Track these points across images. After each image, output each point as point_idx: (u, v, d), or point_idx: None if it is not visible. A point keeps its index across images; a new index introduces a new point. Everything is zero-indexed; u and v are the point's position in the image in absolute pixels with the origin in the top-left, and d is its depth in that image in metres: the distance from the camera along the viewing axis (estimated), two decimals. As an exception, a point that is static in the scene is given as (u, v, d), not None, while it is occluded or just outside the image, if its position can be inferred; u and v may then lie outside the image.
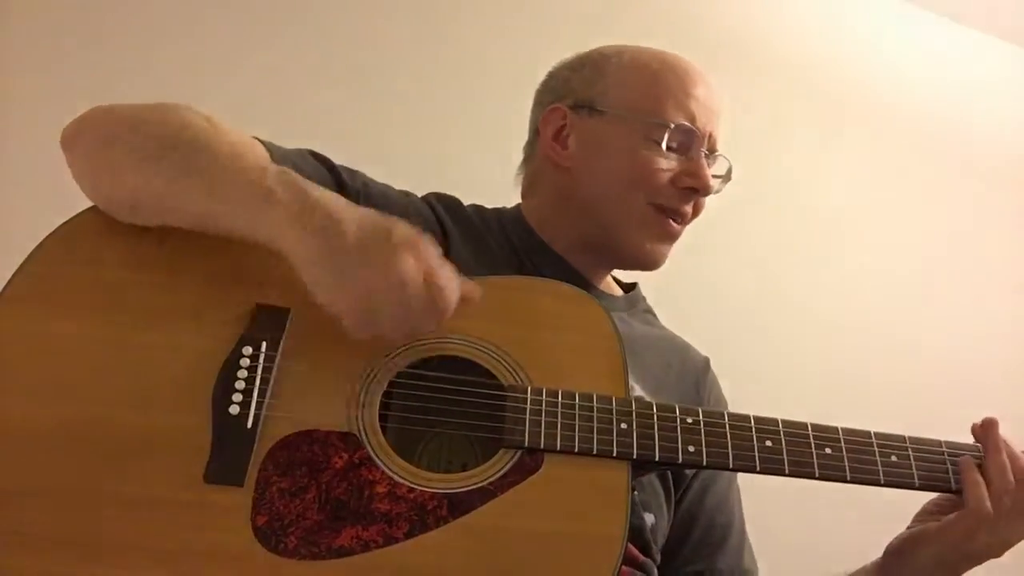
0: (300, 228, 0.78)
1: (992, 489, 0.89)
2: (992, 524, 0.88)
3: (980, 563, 0.92)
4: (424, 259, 0.80)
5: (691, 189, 1.08)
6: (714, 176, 1.12)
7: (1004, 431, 0.94)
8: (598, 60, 1.16)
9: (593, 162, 1.11)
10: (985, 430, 0.94)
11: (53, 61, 1.59)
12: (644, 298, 1.22)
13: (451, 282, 0.82)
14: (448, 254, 1.03)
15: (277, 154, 0.97)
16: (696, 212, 1.12)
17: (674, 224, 1.09)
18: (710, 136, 1.10)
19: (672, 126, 1.07)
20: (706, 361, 1.18)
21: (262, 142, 0.97)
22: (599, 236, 1.11)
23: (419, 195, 1.13)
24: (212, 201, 0.82)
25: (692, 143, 1.08)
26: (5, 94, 1.56)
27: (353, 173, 1.06)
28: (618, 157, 1.09)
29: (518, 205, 1.20)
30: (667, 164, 1.08)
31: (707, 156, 1.10)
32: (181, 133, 0.85)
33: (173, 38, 1.68)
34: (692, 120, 1.08)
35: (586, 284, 1.11)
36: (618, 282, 1.23)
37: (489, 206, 1.18)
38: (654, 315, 1.22)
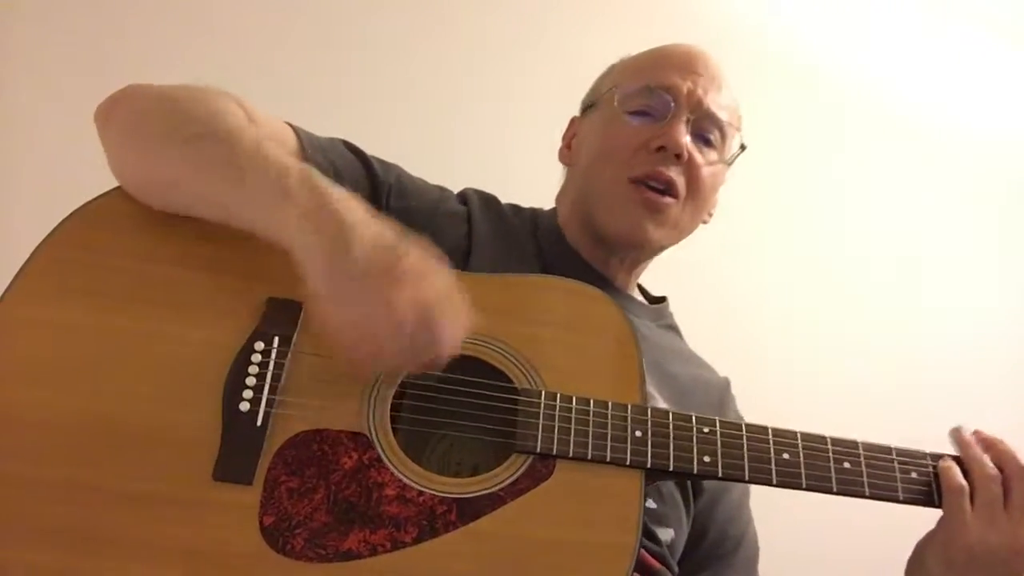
0: (312, 234, 0.77)
1: (974, 480, 0.87)
2: (985, 514, 0.86)
3: (996, 574, 0.86)
4: (426, 294, 0.76)
5: (661, 149, 1.03)
6: (708, 145, 1.07)
7: (1004, 433, 0.93)
8: (610, 67, 1.18)
9: (582, 152, 1.13)
10: (953, 435, 0.93)
11: (55, 60, 1.57)
12: (671, 314, 1.20)
13: (448, 325, 0.78)
14: (471, 249, 1.02)
15: (308, 142, 0.95)
16: (693, 185, 1.06)
17: (653, 193, 1.04)
18: (690, 96, 1.05)
19: (635, 87, 1.06)
20: (726, 382, 1.16)
21: (294, 129, 0.95)
22: (590, 222, 1.09)
23: (455, 191, 1.11)
24: (234, 193, 0.81)
25: (662, 106, 1.05)
26: (6, 95, 1.54)
27: (387, 166, 1.04)
28: (594, 137, 1.11)
29: (555, 208, 1.19)
30: (634, 132, 1.05)
31: (691, 120, 1.05)
32: (213, 121, 0.84)
33: (185, 31, 1.67)
34: (660, 82, 1.05)
35: (611, 288, 1.09)
36: (645, 294, 1.21)
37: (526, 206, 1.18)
38: (678, 332, 1.19)
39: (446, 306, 0.78)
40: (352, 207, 0.79)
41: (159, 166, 0.84)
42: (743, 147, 1.12)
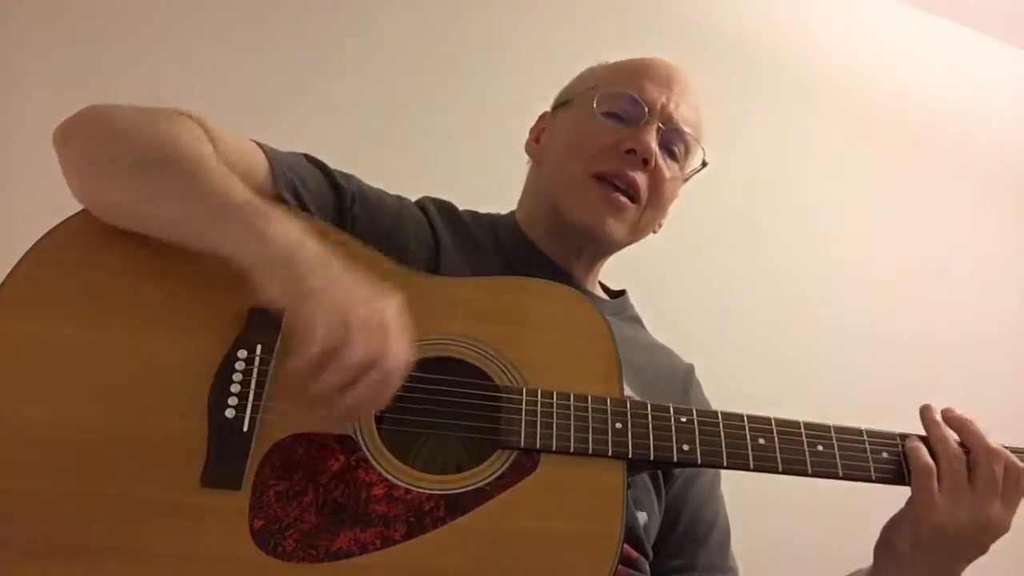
0: (269, 255, 0.78)
1: (940, 459, 0.90)
2: (951, 493, 0.88)
3: (964, 550, 0.89)
4: (375, 306, 0.79)
5: (631, 152, 1.07)
6: (672, 157, 1.11)
7: (1006, 433, 0.94)
8: (590, 70, 1.21)
9: (551, 146, 1.17)
10: (922, 413, 0.95)
11: (54, 60, 1.57)
12: (632, 305, 1.23)
13: (397, 335, 0.79)
14: (438, 256, 1.04)
15: (274, 158, 0.97)
16: (655, 192, 1.10)
17: (615, 193, 1.07)
18: (663, 109, 1.09)
19: (613, 91, 1.10)
20: (690, 368, 1.19)
21: (260, 146, 0.97)
22: (553, 213, 1.12)
23: (413, 199, 1.13)
24: (186, 217, 0.82)
25: (636, 113, 1.08)
26: (5, 93, 1.54)
27: (348, 177, 1.06)
28: (564, 133, 1.15)
29: (513, 211, 1.22)
30: (606, 133, 1.09)
31: (662, 131, 1.09)
32: (171, 147, 0.85)
33: (174, 37, 1.67)
34: (638, 91, 1.09)
35: (575, 285, 1.11)
36: (606, 289, 1.24)
37: (483, 212, 1.20)
38: (641, 323, 1.23)
39: (393, 319, 0.79)
40: (299, 232, 0.81)
41: (112, 190, 0.85)
42: (705, 163, 1.16)
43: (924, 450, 0.91)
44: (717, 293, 2.03)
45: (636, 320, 1.22)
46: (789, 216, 2.21)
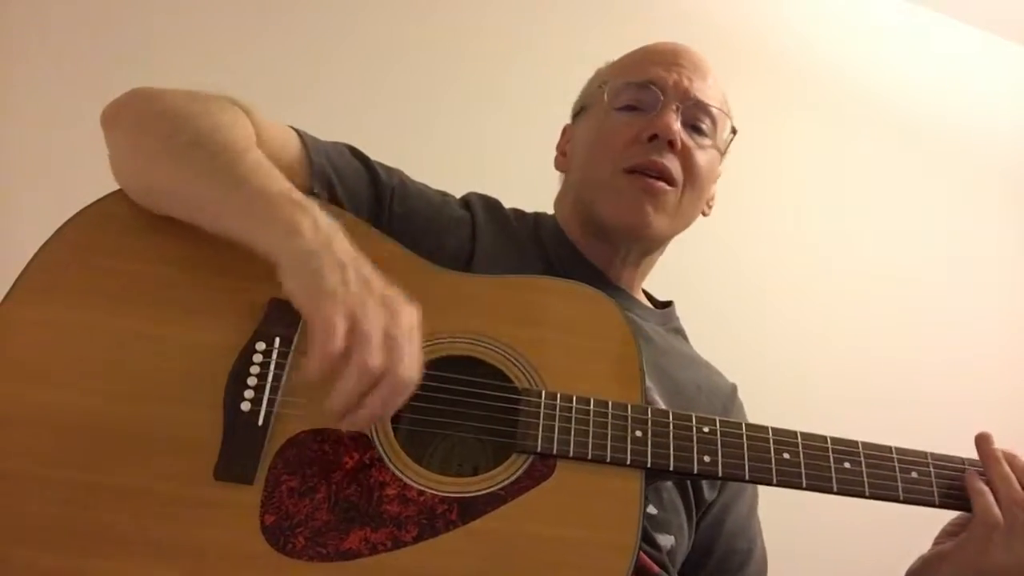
0: (301, 251, 0.76)
1: (1000, 499, 0.87)
2: (1005, 537, 0.85)
3: None
4: (401, 316, 0.75)
5: (654, 138, 1.04)
6: (700, 133, 1.08)
7: (1006, 436, 0.92)
8: (597, 72, 1.20)
9: (577, 154, 1.15)
10: (979, 444, 0.92)
11: (54, 57, 1.58)
12: (677, 318, 1.19)
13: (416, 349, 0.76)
14: (474, 253, 1.03)
15: (312, 146, 0.96)
16: (690, 171, 1.06)
17: (649, 179, 1.04)
18: (676, 87, 1.06)
19: (622, 83, 1.08)
20: (733, 388, 1.15)
21: (298, 133, 0.96)
22: (591, 218, 1.09)
23: (457, 196, 1.12)
24: (225, 204, 0.81)
25: (651, 99, 1.06)
26: (5, 92, 1.55)
27: (390, 171, 1.05)
28: (587, 136, 1.13)
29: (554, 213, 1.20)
30: (625, 126, 1.06)
31: (680, 108, 1.06)
32: (217, 133, 0.85)
33: (201, 36, 1.68)
34: (649, 79, 1.06)
35: (617, 291, 1.10)
36: (651, 299, 1.21)
37: (530, 210, 1.18)
38: (684, 336, 1.19)
39: (415, 334, 0.76)
40: (330, 229, 0.79)
41: (157, 172, 0.85)
42: (734, 131, 1.13)
43: (991, 500, 0.87)
44: (749, 311, 2.01)
45: (680, 332, 1.18)
46: (822, 232, 2.20)
